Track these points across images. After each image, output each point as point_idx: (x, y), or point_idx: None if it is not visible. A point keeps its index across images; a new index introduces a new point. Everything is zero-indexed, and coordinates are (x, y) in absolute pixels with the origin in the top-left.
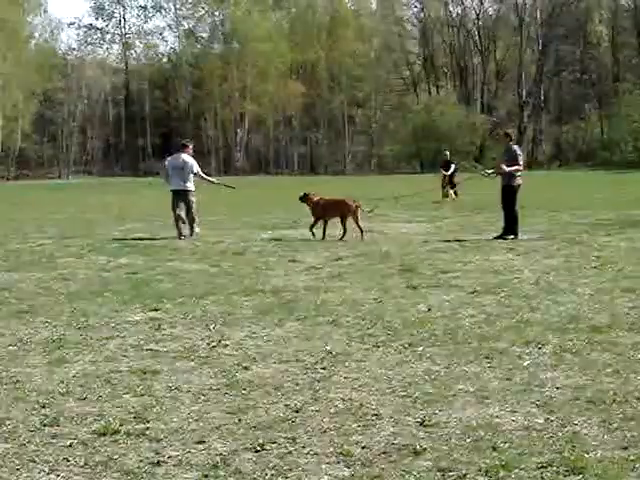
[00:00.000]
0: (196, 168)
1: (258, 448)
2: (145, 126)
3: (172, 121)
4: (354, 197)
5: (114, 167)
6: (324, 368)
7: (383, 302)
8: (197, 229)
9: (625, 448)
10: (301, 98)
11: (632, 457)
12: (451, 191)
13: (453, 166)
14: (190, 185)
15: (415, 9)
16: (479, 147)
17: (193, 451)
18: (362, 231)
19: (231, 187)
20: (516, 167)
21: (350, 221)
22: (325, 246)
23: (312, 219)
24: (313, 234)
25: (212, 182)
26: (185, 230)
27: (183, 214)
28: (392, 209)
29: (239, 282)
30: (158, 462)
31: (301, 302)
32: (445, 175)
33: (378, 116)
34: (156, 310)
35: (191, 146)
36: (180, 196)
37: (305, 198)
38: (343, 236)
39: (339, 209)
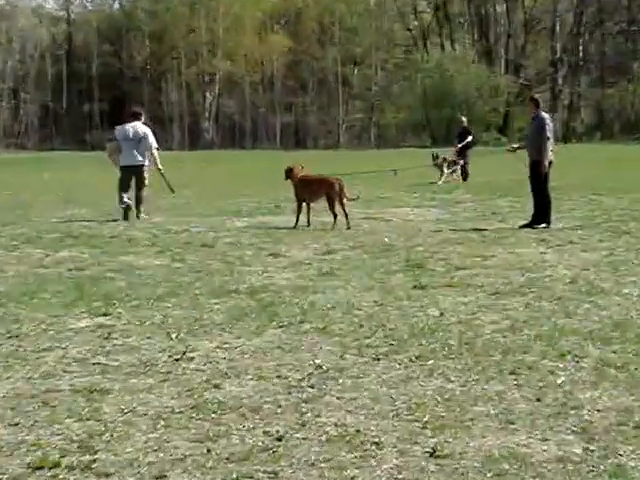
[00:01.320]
0: (155, 143)
1: None
2: (92, 88)
3: (125, 82)
4: (337, 175)
5: (54, 139)
6: (312, 386)
7: (385, 305)
8: (143, 214)
9: None
10: (284, 54)
11: None
12: (454, 171)
13: (470, 137)
14: (144, 160)
15: None
16: (503, 116)
17: None
18: (347, 217)
19: (172, 190)
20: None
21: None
22: (313, 236)
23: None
24: (296, 223)
25: (160, 171)
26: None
27: (130, 195)
28: (395, 189)
29: (208, 281)
30: None
31: (284, 305)
32: (458, 147)
33: (379, 77)
34: (105, 315)
35: (144, 114)
36: (132, 173)
37: (290, 173)
38: (334, 224)
39: (323, 189)
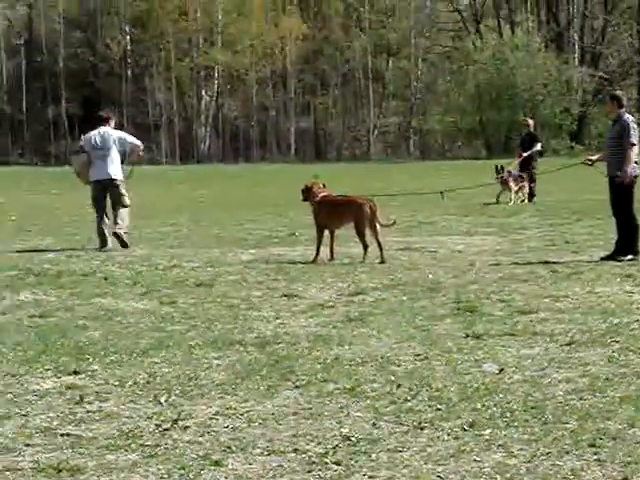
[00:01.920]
0: (136, 141)
1: None
2: (58, 87)
3: (100, 79)
4: (369, 195)
5: (10, 150)
6: (338, 462)
7: (429, 359)
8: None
9: None
10: (301, 42)
11: None
12: (520, 189)
13: (539, 145)
14: (119, 173)
15: None
16: (577, 118)
17: None
18: (381, 248)
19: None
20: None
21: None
22: (338, 272)
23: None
24: (316, 256)
25: (130, 170)
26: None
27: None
28: (441, 213)
29: (205, 329)
30: None
31: (301, 360)
32: (522, 156)
33: (420, 70)
34: (76, 373)
35: (113, 118)
36: (105, 189)
37: (308, 192)
38: (365, 255)
39: (349, 213)
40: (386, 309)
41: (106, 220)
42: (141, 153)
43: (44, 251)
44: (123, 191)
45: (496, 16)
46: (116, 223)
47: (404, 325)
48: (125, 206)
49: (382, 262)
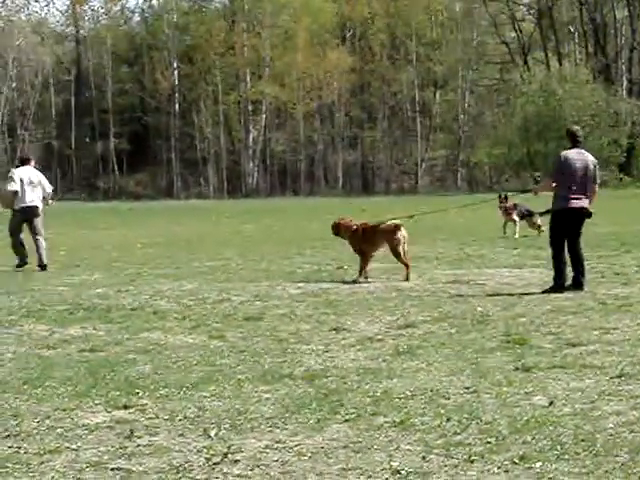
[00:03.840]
0: (49, 186)
1: None
2: (106, 122)
3: (148, 114)
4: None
5: (59, 185)
6: None
7: (478, 392)
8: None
9: None
10: (348, 75)
11: None
12: (532, 224)
13: None
14: (40, 204)
15: None
16: (625, 150)
17: None
18: (407, 266)
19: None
20: None
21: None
22: (386, 305)
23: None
24: (361, 276)
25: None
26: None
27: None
28: (490, 245)
29: (254, 363)
30: None
31: (351, 393)
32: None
33: (467, 102)
34: (126, 408)
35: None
36: (30, 214)
37: (337, 228)
38: (407, 275)
39: (382, 237)
40: (435, 342)
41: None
42: (50, 201)
43: (93, 286)
44: (41, 215)
45: (543, 48)
46: (40, 253)
47: (453, 358)
48: (40, 234)
49: (406, 280)
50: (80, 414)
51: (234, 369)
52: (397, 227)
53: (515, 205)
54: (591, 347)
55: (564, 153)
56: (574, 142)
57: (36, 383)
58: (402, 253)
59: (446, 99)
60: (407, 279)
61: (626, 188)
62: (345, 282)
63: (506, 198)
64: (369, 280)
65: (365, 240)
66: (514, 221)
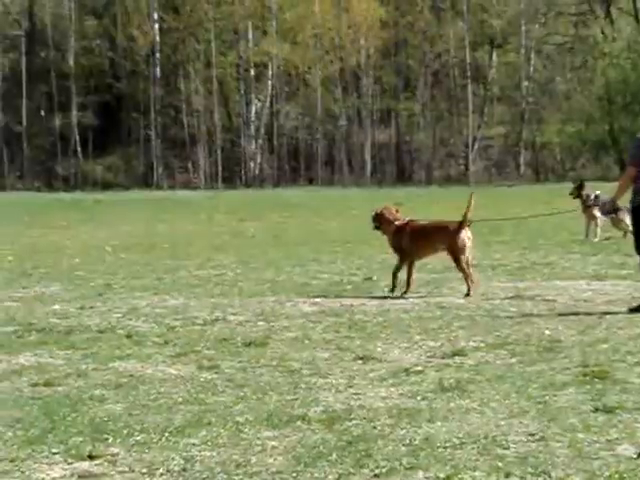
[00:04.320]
0: None
1: None
2: (68, 91)
3: (122, 80)
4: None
5: (6, 171)
6: None
7: (547, 440)
8: None
9: None
10: (379, 31)
11: None
12: (617, 222)
13: None
14: None
15: None
16: None
17: None
18: (470, 281)
19: None
20: None
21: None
22: (428, 327)
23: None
24: (393, 288)
25: None
26: None
27: None
28: (561, 252)
29: (257, 401)
30: None
31: (382, 441)
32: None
33: (532, 66)
34: (92, 458)
35: None
36: None
37: (379, 219)
38: (469, 290)
39: (443, 238)
40: (491, 375)
41: None
42: None
43: (49, 301)
44: None
45: None
46: None
47: (514, 396)
48: None
49: (468, 295)
50: (33, 466)
51: (231, 409)
52: (461, 225)
53: (596, 197)
54: None
55: None
56: None
57: None
58: (465, 260)
59: (505, 62)
60: (468, 293)
61: None
62: (375, 297)
63: (581, 186)
64: (405, 295)
65: (414, 240)
66: (595, 218)
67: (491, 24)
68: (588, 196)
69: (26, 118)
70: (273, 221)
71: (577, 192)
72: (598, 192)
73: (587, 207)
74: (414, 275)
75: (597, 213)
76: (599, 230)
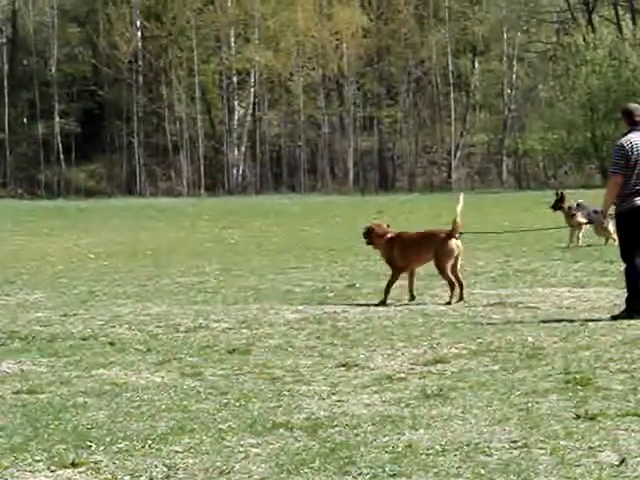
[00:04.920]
0: None
1: None
2: (50, 98)
3: (105, 87)
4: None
5: None
6: None
7: (529, 447)
8: None
9: None
10: (361, 39)
11: None
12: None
13: None
14: None
15: None
16: None
17: None
18: (461, 287)
19: None
20: None
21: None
22: (411, 334)
23: (387, 273)
24: (384, 300)
25: None
26: None
27: None
28: (543, 259)
29: (240, 408)
30: None
31: (364, 448)
32: None
33: (515, 73)
34: (75, 466)
35: None
36: None
37: (370, 234)
38: (451, 298)
39: (430, 247)
40: (473, 382)
41: None
42: None
43: (32, 309)
44: None
45: (613, 3)
46: None
47: (496, 403)
48: None
49: (461, 299)
50: (16, 474)
51: (214, 416)
52: (450, 235)
53: (578, 205)
54: None
55: (626, 139)
56: (633, 123)
57: None
58: (449, 269)
59: (487, 69)
60: (450, 302)
61: None
62: (358, 304)
63: (562, 199)
64: (389, 302)
65: (405, 251)
66: (580, 225)
67: (473, 31)
68: (570, 207)
69: (8, 126)
70: (256, 229)
71: (559, 205)
72: (580, 200)
73: (571, 216)
74: (414, 284)
75: (582, 219)
76: (581, 235)
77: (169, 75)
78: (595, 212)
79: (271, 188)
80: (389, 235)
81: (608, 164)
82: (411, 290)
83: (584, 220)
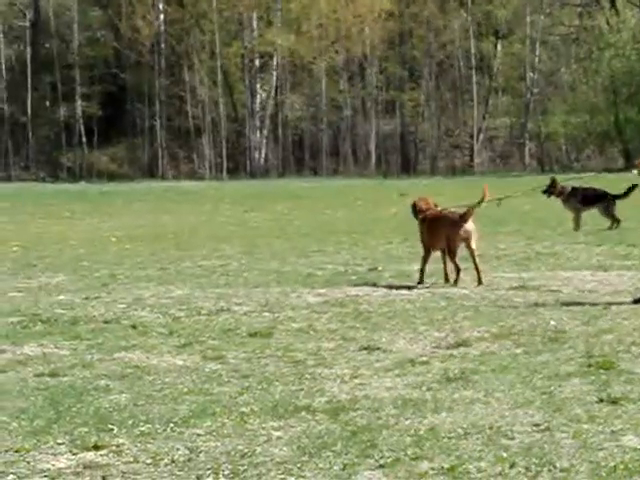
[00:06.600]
0: None
1: None
2: (72, 81)
3: (127, 70)
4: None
5: (11, 161)
6: None
7: (552, 431)
8: None
9: None
10: (384, 22)
11: None
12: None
13: None
14: None
15: None
16: None
17: None
18: (479, 271)
19: None
20: None
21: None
22: (433, 318)
23: (409, 256)
24: (420, 280)
25: None
26: None
27: None
28: (566, 242)
29: (262, 392)
30: None
31: (386, 431)
32: None
33: (537, 57)
34: (97, 449)
35: None
36: None
37: (414, 210)
38: (457, 278)
39: (441, 230)
40: (496, 366)
41: None
42: None
43: (54, 292)
44: None
45: None
46: None
47: (519, 386)
48: None
49: (479, 284)
50: (38, 457)
51: (236, 399)
52: (462, 217)
53: (574, 189)
54: None
55: None
56: None
57: None
58: (456, 254)
59: (510, 52)
60: (447, 279)
61: None
62: (380, 287)
63: (553, 184)
64: (412, 285)
65: (428, 231)
66: (577, 210)
67: (496, 15)
68: (564, 188)
69: (31, 109)
70: (278, 212)
71: (551, 190)
72: (577, 184)
73: (568, 197)
74: (448, 265)
75: (577, 205)
76: (580, 220)
77: (191, 58)
78: (596, 195)
79: (293, 171)
80: (430, 211)
81: (633, 147)
82: (445, 272)
83: (579, 206)
